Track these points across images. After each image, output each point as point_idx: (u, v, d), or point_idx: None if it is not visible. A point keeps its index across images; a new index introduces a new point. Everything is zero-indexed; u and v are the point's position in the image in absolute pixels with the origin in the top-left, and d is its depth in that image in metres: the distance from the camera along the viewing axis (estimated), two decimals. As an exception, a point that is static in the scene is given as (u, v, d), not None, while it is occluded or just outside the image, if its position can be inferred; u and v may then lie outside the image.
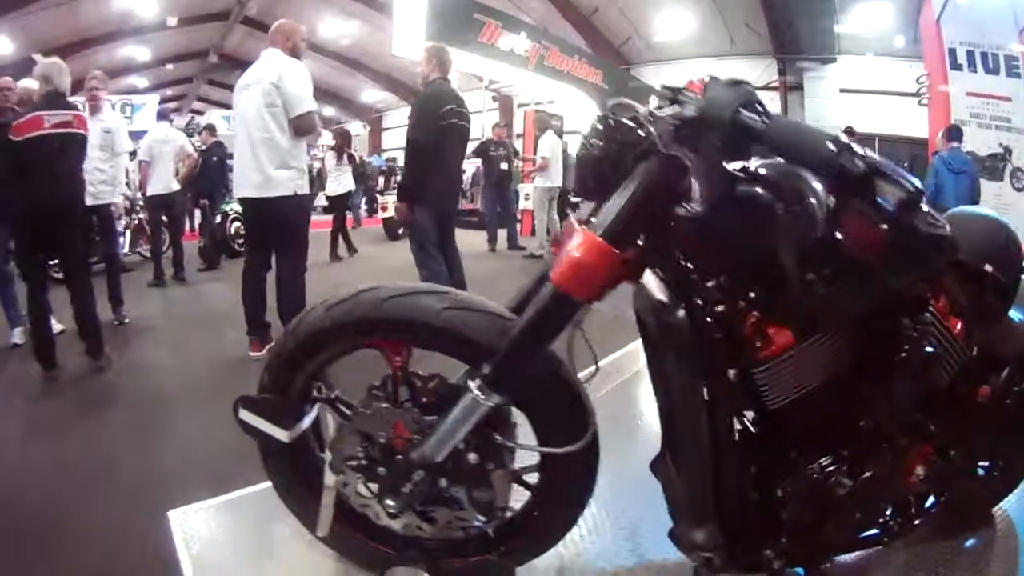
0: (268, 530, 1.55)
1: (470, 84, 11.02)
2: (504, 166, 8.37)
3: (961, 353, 1.28)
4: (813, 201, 1.01)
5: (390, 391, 1.24)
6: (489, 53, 7.86)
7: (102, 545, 1.73)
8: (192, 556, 1.53)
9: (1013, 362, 1.44)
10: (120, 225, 5.38)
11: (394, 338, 1.21)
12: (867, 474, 1.19)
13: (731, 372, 1.13)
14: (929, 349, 1.18)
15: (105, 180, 4.37)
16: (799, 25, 11.60)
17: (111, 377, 3.24)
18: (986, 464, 1.57)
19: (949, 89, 7.35)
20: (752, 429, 1.20)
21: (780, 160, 1.06)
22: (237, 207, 6.20)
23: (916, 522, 1.40)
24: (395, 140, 20.03)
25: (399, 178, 9.62)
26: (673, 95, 1.09)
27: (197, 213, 8.22)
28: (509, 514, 1.31)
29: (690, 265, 1.09)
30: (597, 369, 1.23)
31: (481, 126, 10.08)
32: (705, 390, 1.11)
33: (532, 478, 1.28)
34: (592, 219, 1.09)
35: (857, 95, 11.29)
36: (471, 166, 11.31)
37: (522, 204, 9.59)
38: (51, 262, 3.53)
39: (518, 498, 1.31)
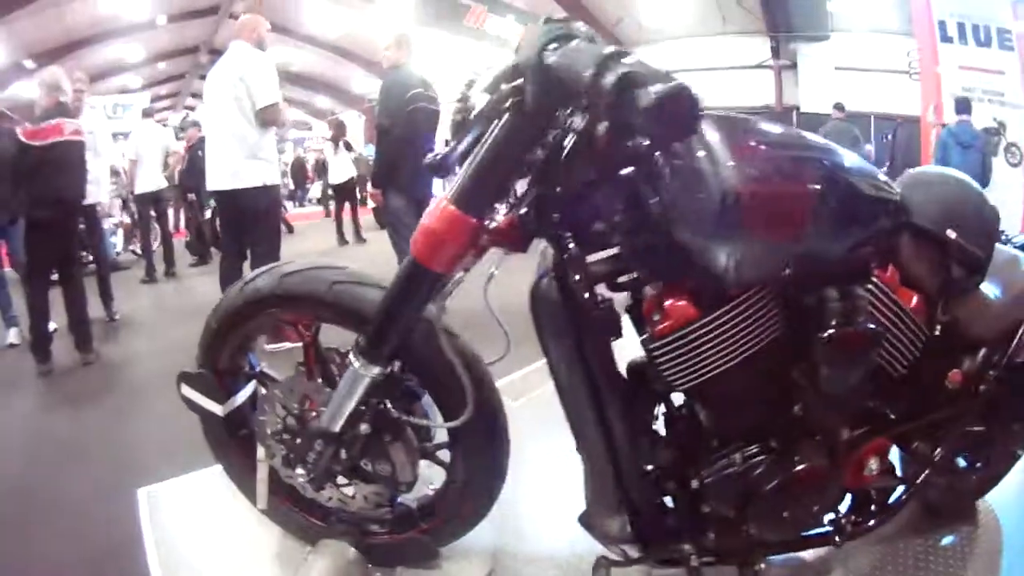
0: (232, 505, 1.58)
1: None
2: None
3: (918, 332, 1.15)
4: (701, 154, 0.94)
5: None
6: (477, 36, 7.86)
7: (72, 522, 1.80)
8: (155, 532, 1.61)
9: (988, 344, 1.26)
10: (111, 223, 5.44)
11: (295, 313, 1.26)
12: (799, 467, 1.07)
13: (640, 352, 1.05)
14: (869, 326, 1.04)
15: (91, 181, 4.43)
16: (792, 3, 11.45)
17: (98, 369, 3.40)
18: (966, 456, 1.42)
19: (939, 62, 7.24)
20: (667, 414, 1.14)
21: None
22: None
23: (873, 521, 1.25)
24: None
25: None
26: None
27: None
28: (431, 492, 1.34)
29: (571, 235, 1.01)
30: (508, 350, 1.17)
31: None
32: (594, 370, 1.04)
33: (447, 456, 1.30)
34: None
35: (852, 72, 11.16)
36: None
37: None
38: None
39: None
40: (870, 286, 1.08)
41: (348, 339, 1.19)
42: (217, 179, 3.25)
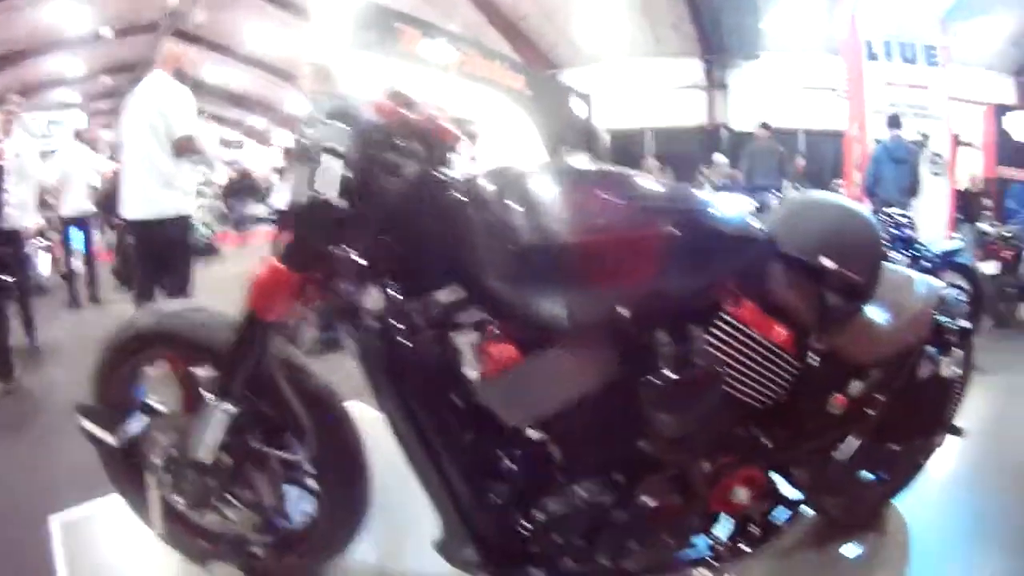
0: (143, 529, 1.58)
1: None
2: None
3: (786, 363, 1.15)
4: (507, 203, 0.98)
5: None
6: (409, 59, 7.96)
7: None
8: (67, 557, 1.63)
9: (877, 367, 1.26)
10: (37, 246, 5.32)
11: (170, 350, 1.31)
12: (642, 502, 1.09)
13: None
14: (704, 367, 1.04)
15: (15, 204, 4.36)
16: (724, 23, 11.80)
17: (18, 398, 3.36)
18: (869, 470, 1.42)
19: (864, 79, 7.57)
20: (519, 448, 1.14)
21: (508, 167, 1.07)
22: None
23: (756, 543, 1.25)
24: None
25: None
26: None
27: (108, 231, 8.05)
28: (307, 519, 1.39)
29: (394, 282, 1.05)
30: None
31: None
32: (421, 413, 1.07)
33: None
34: None
35: (782, 91, 11.58)
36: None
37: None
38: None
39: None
40: (720, 323, 1.08)
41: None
42: (132, 208, 3.25)
